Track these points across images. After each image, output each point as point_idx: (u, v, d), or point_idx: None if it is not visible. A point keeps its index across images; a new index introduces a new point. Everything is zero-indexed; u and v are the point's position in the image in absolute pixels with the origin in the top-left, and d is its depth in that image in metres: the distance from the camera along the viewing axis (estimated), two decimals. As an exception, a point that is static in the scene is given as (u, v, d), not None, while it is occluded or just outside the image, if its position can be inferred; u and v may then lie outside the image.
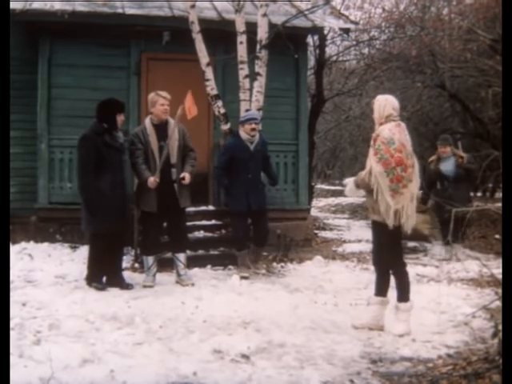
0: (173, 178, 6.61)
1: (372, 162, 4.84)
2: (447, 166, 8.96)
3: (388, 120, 4.90)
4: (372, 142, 4.89)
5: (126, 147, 6.52)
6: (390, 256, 4.96)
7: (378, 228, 4.95)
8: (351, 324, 5.09)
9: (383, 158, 4.77)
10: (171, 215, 6.65)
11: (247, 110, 7.72)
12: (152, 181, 6.39)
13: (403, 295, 4.96)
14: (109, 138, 6.27)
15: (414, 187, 4.93)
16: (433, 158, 9.27)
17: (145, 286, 6.47)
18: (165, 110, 6.59)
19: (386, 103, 4.96)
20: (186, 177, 6.59)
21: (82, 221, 6.40)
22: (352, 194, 5.23)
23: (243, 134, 7.22)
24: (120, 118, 6.38)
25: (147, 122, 6.69)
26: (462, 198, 8.37)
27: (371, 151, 4.88)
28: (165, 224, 6.87)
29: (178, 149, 6.65)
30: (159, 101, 6.55)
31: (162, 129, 6.58)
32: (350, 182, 5.15)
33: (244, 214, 7.26)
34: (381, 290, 5.04)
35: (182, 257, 6.73)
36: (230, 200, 7.35)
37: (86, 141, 6.26)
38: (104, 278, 6.35)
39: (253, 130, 7.17)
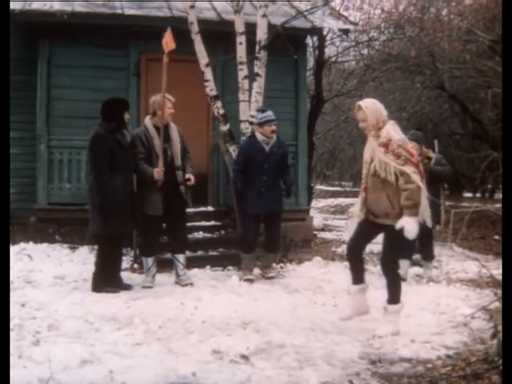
0: (178, 181, 6.61)
1: (399, 167, 4.70)
2: None
3: (385, 122, 4.86)
4: (383, 149, 4.76)
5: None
6: (397, 256, 5.00)
7: (395, 232, 4.77)
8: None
9: (407, 158, 4.72)
10: (173, 217, 6.63)
11: (263, 111, 7.32)
12: (158, 170, 6.37)
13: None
14: (120, 136, 6.26)
15: None
16: None
17: (144, 287, 6.46)
18: (171, 114, 6.59)
19: (380, 107, 4.91)
20: (192, 178, 6.60)
21: (92, 223, 6.25)
22: (416, 233, 4.77)
23: (260, 135, 7.06)
24: (126, 117, 6.38)
25: (148, 123, 6.61)
26: None
27: (389, 157, 4.73)
28: (164, 225, 6.85)
29: (180, 151, 6.66)
30: (167, 104, 6.52)
31: (163, 131, 6.54)
32: (408, 222, 4.71)
33: (257, 217, 7.10)
34: (398, 295, 4.97)
35: (181, 257, 6.73)
36: (244, 201, 7.13)
37: (99, 140, 6.14)
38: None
39: (273, 131, 7.04)
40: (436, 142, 8.50)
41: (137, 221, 6.51)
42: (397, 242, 4.88)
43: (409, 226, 4.69)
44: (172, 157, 6.58)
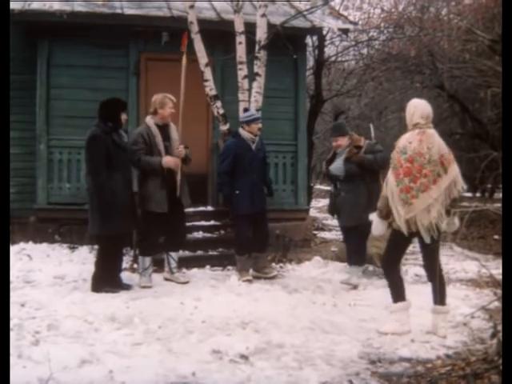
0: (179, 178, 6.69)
1: (389, 170, 4.90)
2: (336, 163, 6.95)
3: (414, 128, 4.86)
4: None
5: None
6: (393, 256, 5.01)
7: (395, 233, 4.92)
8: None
9: (395, 167, 4.79)
10: (174, 215, 6.65)
11: (246, 110, 7.57)
12: (169, 158, 6.47)
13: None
14: (116, 136, 6.27)
15: (429, 197, 4.71)
16: (329, 155, 7.28)
17: (143, 287, 6.46)
18: (172, 114, 6.68)
19: (414, 111, 4.89)
20: (181, 147, 6.67)
21: (92, 224, 6.24)
22: (380, 230, 5.02)
23: (246, 133, 7.08)
24: (123, 117, 6.40)
25: (151, 122, 6.67)
26: (352, 203, 6.69)
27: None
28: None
29: None
30: (169, 104, 6.63)
31: (164, 130, 6.67)
32: (374, 216, 5.05)
33: (249, 216, 7.05)
34: (397, 295, 5.00)
35: (175, 255, 6.82)
36: (235, 202, 7.04)
37: (96, 140, 6.16)
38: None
39: (259, 129, 7.15)
40: (371, 127, 7.76)
41: (137, 221, 6.52)
42: (389, 243, 5.01)
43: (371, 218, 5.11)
44: (173, 155, 6.64)
